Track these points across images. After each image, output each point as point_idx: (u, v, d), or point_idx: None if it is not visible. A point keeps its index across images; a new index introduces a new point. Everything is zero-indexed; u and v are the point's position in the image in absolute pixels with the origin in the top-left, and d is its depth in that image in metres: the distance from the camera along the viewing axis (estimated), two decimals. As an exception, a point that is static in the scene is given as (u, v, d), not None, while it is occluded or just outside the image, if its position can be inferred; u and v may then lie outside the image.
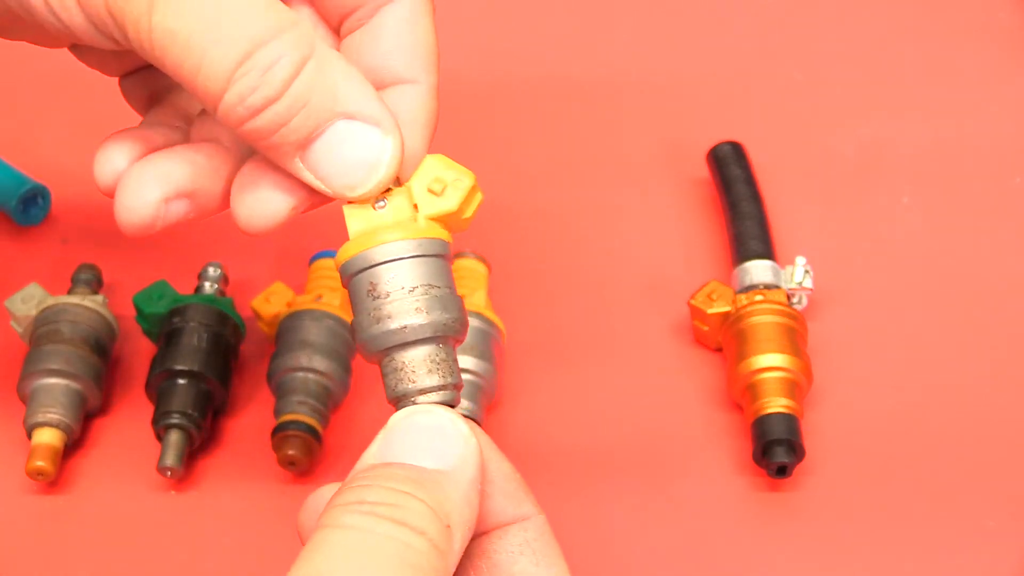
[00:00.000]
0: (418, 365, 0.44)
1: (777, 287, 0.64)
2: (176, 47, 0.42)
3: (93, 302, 0.62)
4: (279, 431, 0.59)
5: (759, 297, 0.63)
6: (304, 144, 0.44)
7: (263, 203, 0.47)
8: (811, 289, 0.64)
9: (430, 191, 0.46)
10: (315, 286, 0.64)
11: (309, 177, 0.45)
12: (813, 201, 0.72)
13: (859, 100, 0.78)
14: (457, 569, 0.42)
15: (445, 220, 0.46)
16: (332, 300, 0.63)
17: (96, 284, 0.64)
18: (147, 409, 0.61)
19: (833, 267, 0.67)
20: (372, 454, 0.42)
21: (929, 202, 0.72)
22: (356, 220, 0.46)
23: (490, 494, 0.44)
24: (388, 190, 0.46)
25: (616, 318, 0.66)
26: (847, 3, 0.84)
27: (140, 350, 0.64)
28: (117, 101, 0.77)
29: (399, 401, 0.45)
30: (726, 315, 0.63)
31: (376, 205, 0.45)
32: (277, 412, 0.60)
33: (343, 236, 0.56)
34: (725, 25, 0.83)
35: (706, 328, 0.64)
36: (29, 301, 0.63)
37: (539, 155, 0.75)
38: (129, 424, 0.62)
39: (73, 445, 0.60)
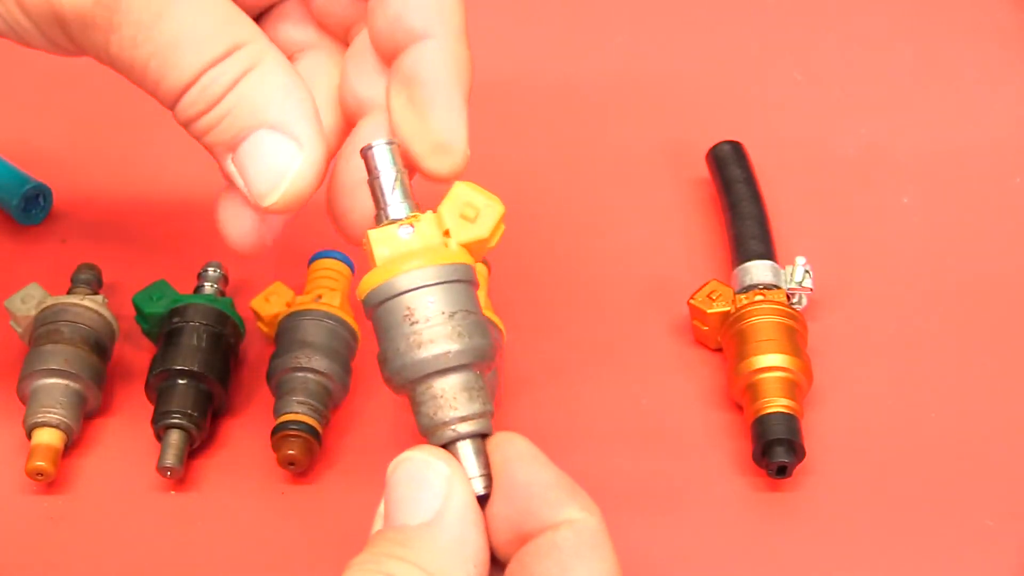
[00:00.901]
0: (459, 392, 0.44)
1: (777, 287, 0.64)
2: (134, 72, 0.46)
3: (93, 302, 0.62)
4: (279, 431, 0.59)
5: (759, 297, 0.63)
6: (232, 146, 0.47)
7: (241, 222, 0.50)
8: (811, 289, 0.64)
9: (463, 217, 0.46)
10: (315, 286, 0.64)
11: (237, 178, 0.48)
12: (813, 201, 0.72)
13: (859, 100, 0.78)
14: None
15: (472, 247, 0.46)
16: (332, 300, 0.63)
17: (96, 284, 0.64)
18: (147, 409, 0.61)
19: (833, 267, 0.67)
20: (378, 513, 0.44)
21: (929, 202, 0.72)
22: (383, 246, 0.45)
23: (527, 506, 0.43)
24: (415, 216, 0.45)
25: (616, 318, 0.66)
26: (847, 3, 0.84)
27: (140, 350, 0.64)
28: (118, 101, 0.77)
29: (437, 429, 0.44)
30: (726, 315, 0.63)
31: (400, 232, 0.45)
32: (277, 412, 0.60)
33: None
34: (725, 25, 0.83)
35: (706, 328, 0.64)
36: (29, 301, 0.63)
37: (539, 155, 0.75)
38: (129, 424, 0.62)
39: (73, 445, 0.60)
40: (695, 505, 0.59)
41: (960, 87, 0.79)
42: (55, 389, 0.60)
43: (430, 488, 0.42)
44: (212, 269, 0.65)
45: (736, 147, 0.71)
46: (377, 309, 0.44)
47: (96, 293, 0.64)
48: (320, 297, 0.63)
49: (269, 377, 0.61)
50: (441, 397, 0.44)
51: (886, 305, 0.67)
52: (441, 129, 0.48)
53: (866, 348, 0.65)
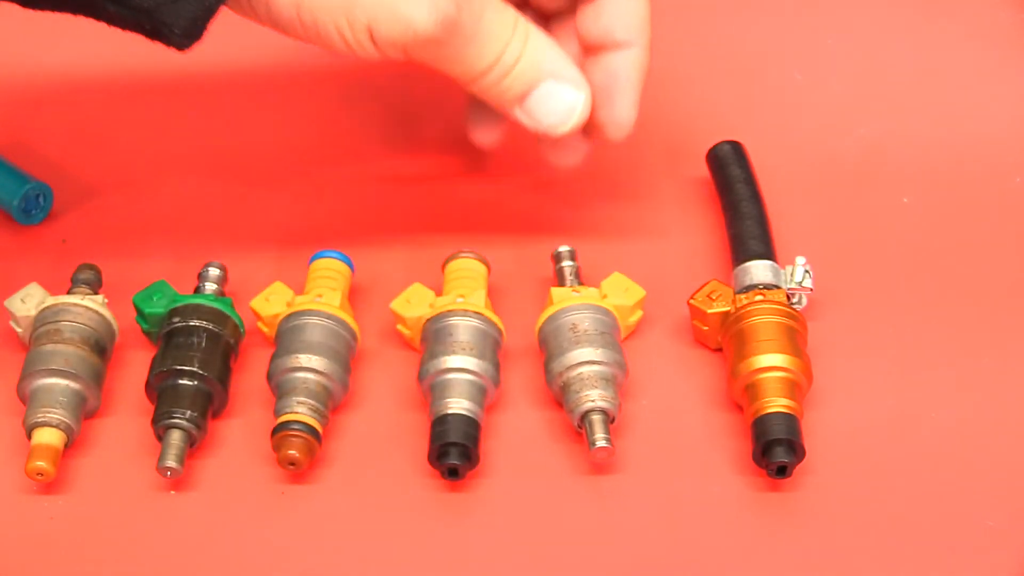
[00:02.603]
0: (599, 378, 0.60)
1: (777, 287, 0.64)
2: (452, 69, 0.61)
3: (93, 302, 0.62)
4: (279, 431, 0.59)
5: (759, 297, 0.63)
6: (521, 99, 0.62)
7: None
8: (811, 289, 0.64)
9: (618, 289, 0.64)
10: (315, 286, 0.64)
11: (526, 120, 0.62)
12: (813, 201, 0.72)
13: (859, 100, 0.78)
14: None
15: (619, 310, 0.64)
16: (332, 300, 0.63)
17: (96, 284, 0.64)
18: (147, 409, 0.61)
19: (833, 267, 0.67)
20: None
21: (929, 202, 0.72)
22: (559, 294, 0.63)
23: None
24: (583, 287, 0.64)
25: (616, 318, 0.66)
26: (847, 3, 0.84)
27: (140, 350, 0.64)
28: (118, 102, 0.77)
29: (581, 400, 0.59)
30: (726, 315, 0.63)
31: (571, 292, 0.64)
32: (277, 412, 0.60)
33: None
34: (725, 25, 0.83)
35: (706, 328, 0.64)
36: (29, 301, 0.63)
37: (538, 154, 0.75)
38: (129, 424, 0.62)
39: (73, 445, 0.60)
40: (695, 505, 0.59)
41: (960, 87, 0.79)
42: (55, 389, 0.60)
43: None
44: (212, 269, 0.65)
45: (736, 147, 0.71)
46: (552, 326, 0.62)
47: (96, 293, 0.64)
48: (320, 297, 0.63)
49: (269, 377, 0.61)
50: (588, 379, 0.60)
51: (886, 305, 0.67)
52: (623, 114, 0.65)
53: (866, 348, 0.65)
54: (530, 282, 0.68)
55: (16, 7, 0.57)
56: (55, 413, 0.59)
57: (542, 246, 0.68)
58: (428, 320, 0.63)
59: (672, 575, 0.57)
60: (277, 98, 0.79)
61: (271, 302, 0.64)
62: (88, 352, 0.61)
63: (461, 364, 0.60)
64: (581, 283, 0.65)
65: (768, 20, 0.83)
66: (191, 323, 0.62)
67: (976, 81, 0.79)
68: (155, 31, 0.57)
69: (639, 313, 0.65)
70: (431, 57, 0.60)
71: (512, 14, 0.61)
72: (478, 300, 0.63)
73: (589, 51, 0.65)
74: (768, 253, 0.65)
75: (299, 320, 0.62)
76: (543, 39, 0.62)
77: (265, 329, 0.64)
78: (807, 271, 0.64)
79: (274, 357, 0.61)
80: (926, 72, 0.79)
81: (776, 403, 0.59)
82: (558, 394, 0.61)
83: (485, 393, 0.61)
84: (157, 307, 0.63)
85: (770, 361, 0.60)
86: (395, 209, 0.72)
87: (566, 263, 0.66)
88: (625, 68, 0.64)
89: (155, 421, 0.60)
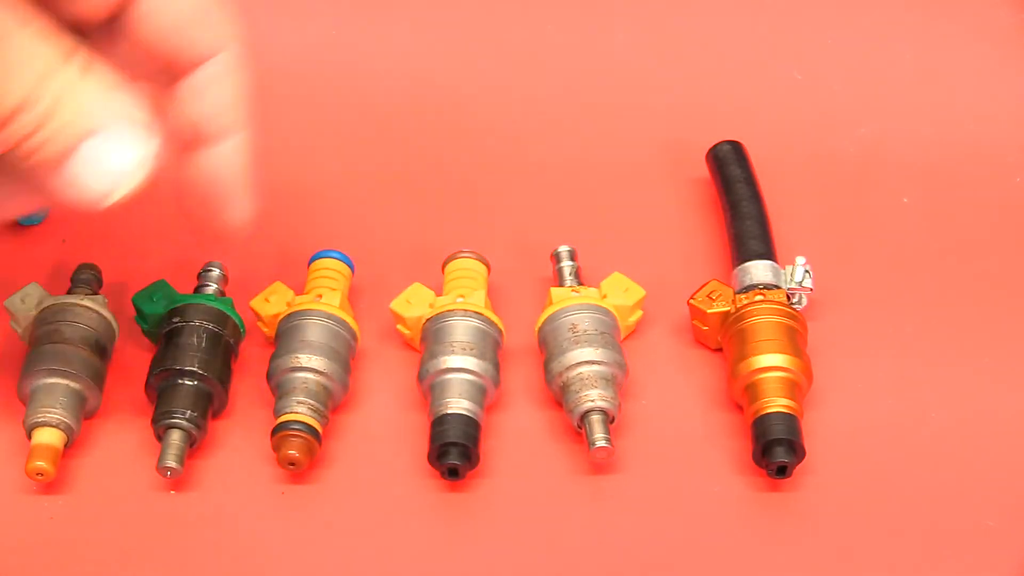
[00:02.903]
0: (599, 378, 0.60)
1: (777, 287, 0.64)
2: None
3: (93, 302, 0.62)
4: (279, 431, 0.59)
5: (759, 297, 0.63)
6: (61, 161, 0.47)
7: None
8: (811, 289, 0.64)
9: (618, 290, 0.64)
10: (315, 286, 0.64)
11: (68, 191, 0.48)
12: (813, 201, 0.72)
13: (859, 100, 0.78)
14: None
15: (619, 310, 0.63)
16: (332, 300, 0.63)
17: (96, 284, 0.64)
18: (147, 409, 0.61)
19: (833, 267, 0.67)
20: None
21: (929, 202, 0.72)
22: (559, 294, 0.64)
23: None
24: (583, 287, 0.64)
25: (616, 318, 0.66)
26: (847, 3, 0.84)
27: (140, 350, 0.64)
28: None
29: (581, 400, 0.59)
30: (726, 315, 0.63)
31: (571, 292, 0.64)
32: (277, 412, 0.60)
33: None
34: (725, 25, 0.83)
35: (706, 328, 0.64)
36: (29, 301, 0.63)
37: (538, 154, 0.75)
38: (129, 424, 0.62)
39: (73, 445, 0.60)
40: (695, 505, 0.59)
41: (960, 87, 0.79)
42: (55, 389, 0.60)
43: None
44: (212, 269, 0.65)
45: (736, 147, 0.71)
46: (551, 326, 0.62)
47: (96, 293, 0.64)
48: (320, 297, 0.63)
49: (269, 377, 0.61)
50: (588, 379, 0.60)
51: (886, 305, 0.67)
52: (241, 215, 0.55)
53: (866, 348, 0.65)
54: (530, 282, 0.68)
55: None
56: (55, 413, 0.59)
57: (542, 246, 0.68)
58: (428, 320, 0.63)
59: (672, 575, 0.57)
60: (276, 97, 0.79)
61: (271, 302, 0.64)
62: (88, 352, 0.61)
63: (461, 364, 0.60)
64: (581, 283, 0.65)
65: (768, 20, 0.83)
66: (191, 323, 0.62)
67: (976, 81, 0.79)
68: None
69: (639, 313, 0.65)
70: None
71: (58, 44, 0.46)
72: (478, 300, 0.63)
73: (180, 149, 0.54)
74: (768, 253, 0.65)
75: (299, 320, 0.62)
76: (99, 82, 0.47)
77: (265, 329, 0.64)
78: (807, 271, 0.64)
79: (274, 357, 0.61)
80: (926, 72, 0.79)
81: (776, 403, 0.59)
82: (558, 394, 0.61)
83: (485, 393, 0.61)
84: (157, 307, 0.63)
85: (770, 361, 0.60)
86: (395, 209, 0.72)
87: (566, 263, 0.66)
88: (229, 163, 0.54)
89: (155, 421, 0.60)
